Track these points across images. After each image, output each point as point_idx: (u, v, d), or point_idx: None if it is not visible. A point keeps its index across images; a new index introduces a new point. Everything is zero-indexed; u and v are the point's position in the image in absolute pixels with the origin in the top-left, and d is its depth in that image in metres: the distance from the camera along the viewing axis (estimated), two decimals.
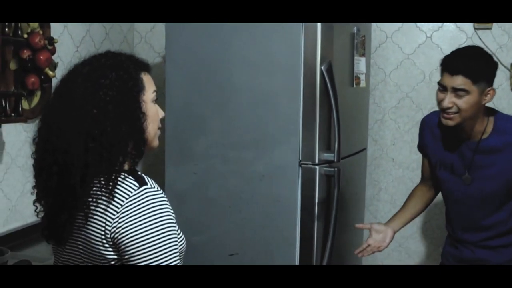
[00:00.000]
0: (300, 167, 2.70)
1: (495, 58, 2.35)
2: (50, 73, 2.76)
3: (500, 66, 3.26)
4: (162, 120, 1.68)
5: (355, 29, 2.94)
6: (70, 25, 3.05)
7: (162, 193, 1.50)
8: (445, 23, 3.35)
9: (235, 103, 2.81)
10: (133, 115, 1.53)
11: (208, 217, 2.91)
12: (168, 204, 1.51)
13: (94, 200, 1.47)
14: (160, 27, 3.65)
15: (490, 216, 2.40)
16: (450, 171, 2.43)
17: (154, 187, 1.50)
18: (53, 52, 2.79)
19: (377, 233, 2.56)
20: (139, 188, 1.48)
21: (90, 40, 3.27)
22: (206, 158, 2.89)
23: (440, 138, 2.47)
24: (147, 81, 1.61)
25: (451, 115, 2.27)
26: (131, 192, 1.47)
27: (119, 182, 1.48)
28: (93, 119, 1.48)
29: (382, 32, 3.45)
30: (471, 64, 2.23)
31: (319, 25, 2.62)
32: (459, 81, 2.22)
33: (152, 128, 1.60)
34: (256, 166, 2.79)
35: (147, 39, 3.79)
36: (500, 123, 2.35)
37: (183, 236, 1.65)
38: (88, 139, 1.47)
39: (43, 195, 1.55)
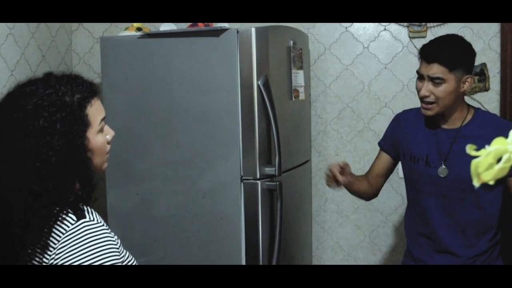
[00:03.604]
0: (242, 183, 2.70)
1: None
2: None
3: None
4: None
5: (291, 43, 2.97)
6: (3, 48, 2.98)
7: (101, 225, 1.47)
8: (381, 33, 3.40)
9: (174, 122, 2.80)
10: (78, 163, 1.47)
11: (152, 237, 2.88)
12: (109, 234, 1.47)
13: (32, 248, 1.44)
14: (99, 47, 3.61)
15: (470, 212, 2.35)
16: (425, 163, 2.39)
17: (93, 220, 1.46)
18: None
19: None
20: (76, 222, 1.44)
21: (25, 63, 3.21)
22: (148, 178, 2.87)
23: (416, 131, 2.45)
24: (94, 112, 1.52)
25: (429, 105, 2.28)
26: (68, 227, 1.43)
27: (58, 219, 1.44)
28: (35, 174, 1.42)
29: (320, 44, 3.49)
30: (447, 52, 2.23)
31: (253, 39, 2.64)
32: (435, 69, 2.23)
33: (99, 160, 1.56)
34: (198, 183, 2.78)
35: (86, 60, 3.74)
36: (480, 114, 2.38)
37: (133, 261, 1.63)
38: (29, 197, 1.42)
39: None
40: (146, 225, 2.88)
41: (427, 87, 2.26)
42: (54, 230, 1.43)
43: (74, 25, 3.75)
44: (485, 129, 2.31)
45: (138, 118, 2.85)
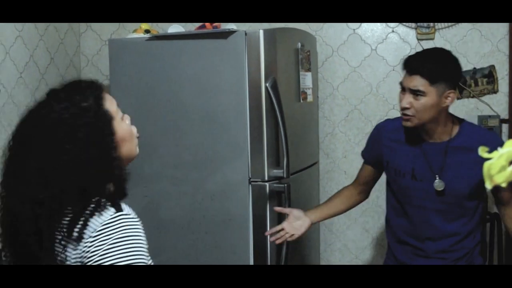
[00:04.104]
0: (250, 185, 2.70)
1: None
2: None
3: None
4: None
5: (299, 45, 2.96)
6: (12, 50, 3.00)
7: (137, 220, 1.50)
8: (389, 35, 3.40)
9: (182, 124, 2.80)
10: (110, 166, 1.51)
11: (161, 239, 2.88)
12: (142, 231, 1.51)
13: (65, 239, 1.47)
14: (107, 49, 3.62)
15: (453, 221, 2.33)
16: (411, 176, 2.33)
17: (130, 214, 1.50)
18: None
19: (295, 219, 2.50)
20: (114, 213, 1.46)
21: (34, 65, 3.22)
22: (156, 180, 2.87)
23: (399, 144, 2.39)
24: (109, 104, 1.55)
25: (408, 117, 2.23)
26: (106, 218, 1.45)
27: (96, 210, 1.47)
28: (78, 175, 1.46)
29: (328, 46, 3.49)
30: (429, 65, 2.18)
31: (261, 41, 2.64)
32: (416, 81, 2.18)
33: (129, 146, 1.60)
34: (206, 185, 2.78)
35: (94, 62, 3.75)
36: (466, 127, 2.31)
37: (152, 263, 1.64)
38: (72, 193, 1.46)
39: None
40: (154, 227, 2.88)
41: (408, 99, 2.21)
42: (91, 220, 1.45)
43: (83, 27, 3.76)
44: (473, 138, 2.26)
45: (146, 120, 2.86)
